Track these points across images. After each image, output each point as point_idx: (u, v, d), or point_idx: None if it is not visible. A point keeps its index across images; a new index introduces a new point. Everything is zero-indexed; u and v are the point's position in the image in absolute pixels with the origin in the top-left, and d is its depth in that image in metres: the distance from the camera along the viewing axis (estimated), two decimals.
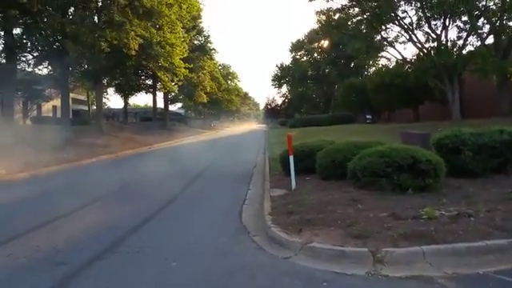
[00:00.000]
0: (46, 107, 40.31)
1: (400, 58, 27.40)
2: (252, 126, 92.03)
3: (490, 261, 3.93)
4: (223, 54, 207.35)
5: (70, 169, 14.76)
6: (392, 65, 30.64)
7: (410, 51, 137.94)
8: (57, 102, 34.85)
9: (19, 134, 19.23)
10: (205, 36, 50.29)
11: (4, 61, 22.54)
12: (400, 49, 60.35)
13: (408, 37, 25.55)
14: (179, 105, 68.04)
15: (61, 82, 25.32)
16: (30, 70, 26.87)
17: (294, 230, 5.07)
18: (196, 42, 47.33)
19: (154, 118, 44.47)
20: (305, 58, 62.43)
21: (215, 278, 3.98)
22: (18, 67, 24.15)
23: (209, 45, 51.54)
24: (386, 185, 6.63)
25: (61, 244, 5.21)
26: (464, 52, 23.57)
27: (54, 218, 6.61)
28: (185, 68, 33.61)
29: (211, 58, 53.73)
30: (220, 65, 71.52)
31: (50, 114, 40.15)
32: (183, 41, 32.83)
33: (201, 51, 47.51)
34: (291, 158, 8.10)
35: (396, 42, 27.37)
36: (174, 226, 6.11)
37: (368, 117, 38.36)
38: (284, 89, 70.26)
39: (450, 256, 4.01)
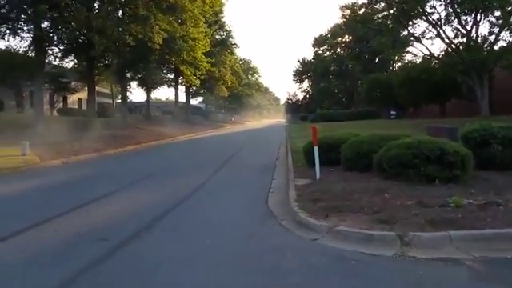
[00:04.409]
0: (72, 99, 41.22)
1: (427, 53, 26.66)
2: (272, 120, 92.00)
3: None
4: (244, 48, 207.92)
5: (99, 157, 15.27)
6: (418, 60, 29.87)
7: (437, 46, 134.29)
8: (82, 94, 35.80)
9: (49, 124, 19.94)
10: (226, 31, 50.47)
11: (33, 54, 23.25)
12: (427, 44, 58.53)
13: (436, 32, 24.88)
14: (200, 99, 68.76)
15: (87, 75, 26.01)
16: (56, 63, 27.72)
17: (321, 215, 5.18)
18: (218, 36, 47.53)
19: (176, 112, 45.03)
20: (327, 53, 61.41)
21: (248, 254, 4.18)
22: (46, 60, 24.76)
23: (230, 39, 51.69)
24: (413, 175, 6.62)
25: (101, 222, 5.59)
26: (495, 48, 22.85)
27: (92, 200, 6.99)
28: (207, 62, 33.94)
29: (232, 53, 53.91)
30: (241, 59, 71.72)
31: (76, 106, 41.06)
32: (205, 35, 33.11)
33: (222, 46, 47.73)
34: (316, 148, 8.15)
35: (423, 37, 26.56)
36: (204, 211, 6.34)
37: (392, 112, 37.58)
38: (305, 84, 69.51)
39: (477, 241, 4.06)
